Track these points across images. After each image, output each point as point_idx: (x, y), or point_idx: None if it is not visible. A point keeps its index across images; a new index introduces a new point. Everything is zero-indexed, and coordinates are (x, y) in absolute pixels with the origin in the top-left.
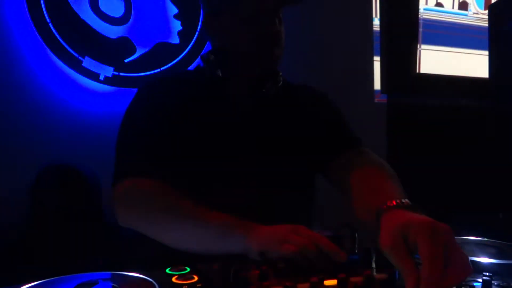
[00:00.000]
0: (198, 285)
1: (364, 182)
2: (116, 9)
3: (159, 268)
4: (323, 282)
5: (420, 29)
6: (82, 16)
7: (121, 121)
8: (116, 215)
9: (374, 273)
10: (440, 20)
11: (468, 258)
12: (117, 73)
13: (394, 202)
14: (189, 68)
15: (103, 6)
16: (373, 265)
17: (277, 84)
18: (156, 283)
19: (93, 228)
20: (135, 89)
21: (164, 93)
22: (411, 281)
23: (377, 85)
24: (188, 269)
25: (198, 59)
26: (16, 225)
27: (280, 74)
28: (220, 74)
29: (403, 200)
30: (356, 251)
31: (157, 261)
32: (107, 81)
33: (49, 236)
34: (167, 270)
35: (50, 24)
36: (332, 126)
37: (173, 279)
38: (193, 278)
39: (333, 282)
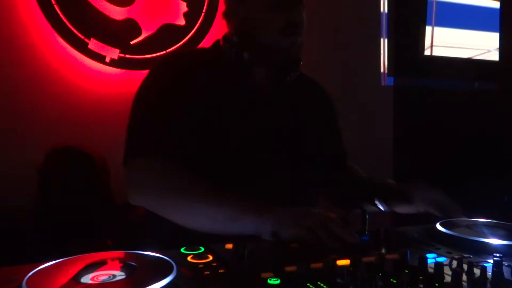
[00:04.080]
0: (213, 264)
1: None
2: None
3: (173, 248)
4: (336, 262)
5: (433, 11)
6: None
7: (134, 100)
8: (128, 194)
9: (385, 253)
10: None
11: None
12: (123, 55)
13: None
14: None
15: None
16: (384, 245)
17: (297, 73)
18: (173, 261)
19: (102, 209)
20: (141, 71)
21: (180, 72)
22: None
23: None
24: (203, 249)
25: (203, 41)
26: (25, 205)
27: (301, 62)
28: (247, 58)
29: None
30: (367, 232)
31: (169, 241)
32: (113, 63)
33: (57, 217)
34: (182, 250)
35: (55, 6)
36: (336, 135)
37: (188, 259)
38: (208, 257)
39: (346, 262)
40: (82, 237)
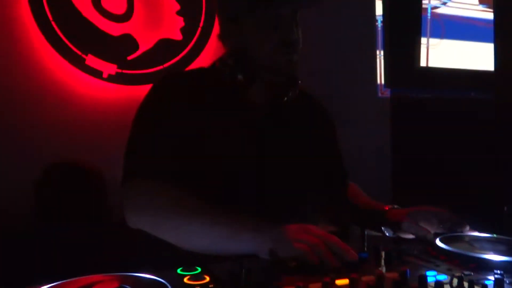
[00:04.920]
0: (210, 286)
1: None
2: (118, 6)
3: (170, 269)
4: (335, 282)
5: (428, 23)
6: (84, 13)
7: (134, 118)
8: (125, 216)
9: (384, 271)
10: (450, 14)
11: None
12: (120, 70)
13: (389, 206)
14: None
15: (105, 3)
16: (382, 263)
17: (295, 91)
18: (168, 284)
19: (99, 227)
20: (139, 86)
21: (179, 92)
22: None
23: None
24: (199, 269)
25: (200, 55)
26: (21, 222)
27: (299, 81)
28: (242, 79)
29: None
30: (365, 249)
31: (167, 262)
32: (110, 78)
33: (54, 235)
34: (178, 271)
35: (52, 22)
36: (337, 155)
37: (185, 280)
38: (205, 278)
39: (345, 281)
40: (78, 255)
